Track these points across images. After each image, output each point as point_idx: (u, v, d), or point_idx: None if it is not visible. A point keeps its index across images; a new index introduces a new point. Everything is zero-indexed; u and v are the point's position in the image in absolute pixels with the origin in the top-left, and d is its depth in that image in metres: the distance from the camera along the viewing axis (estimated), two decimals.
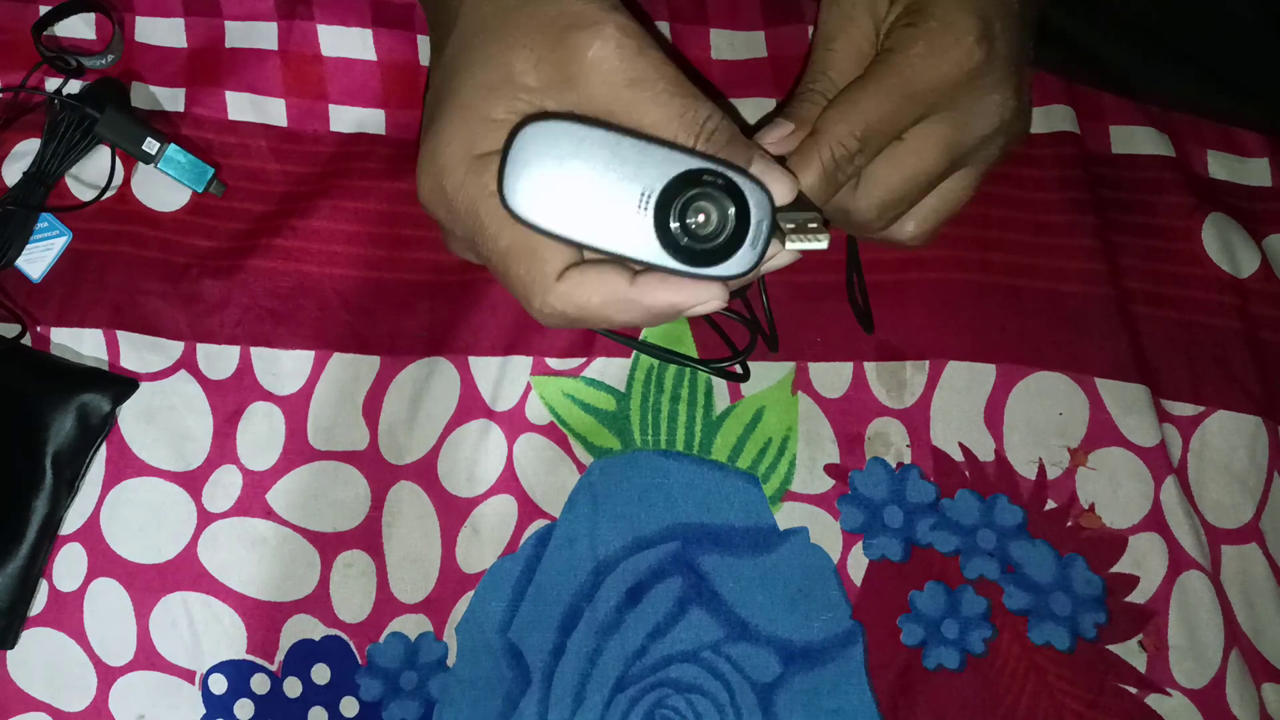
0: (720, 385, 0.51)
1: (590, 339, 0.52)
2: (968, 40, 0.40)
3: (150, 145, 0.51)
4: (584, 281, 0.37)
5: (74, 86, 0.53)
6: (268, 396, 0.52)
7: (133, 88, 0.54)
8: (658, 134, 0.36)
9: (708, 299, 0.37)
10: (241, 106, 0.54)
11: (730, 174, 0.35)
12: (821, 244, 0.36)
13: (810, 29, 0.53)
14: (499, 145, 0.37)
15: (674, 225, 0.35)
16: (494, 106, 0.38)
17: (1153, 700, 0.49)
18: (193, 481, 0.51)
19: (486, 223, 0.37)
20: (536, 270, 0.37)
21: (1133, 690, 0.49)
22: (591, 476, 0.51)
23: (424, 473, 0.51)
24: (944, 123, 0.41)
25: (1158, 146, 0.53)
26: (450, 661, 0.50)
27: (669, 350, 0.50)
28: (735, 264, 0.35)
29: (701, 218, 0.35)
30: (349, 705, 0.50)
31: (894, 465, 0.51)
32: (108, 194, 0.53)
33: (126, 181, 0.53)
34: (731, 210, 0.35)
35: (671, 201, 0.35)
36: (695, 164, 0.35)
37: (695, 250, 0.35)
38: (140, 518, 0.51)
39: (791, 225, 0.37)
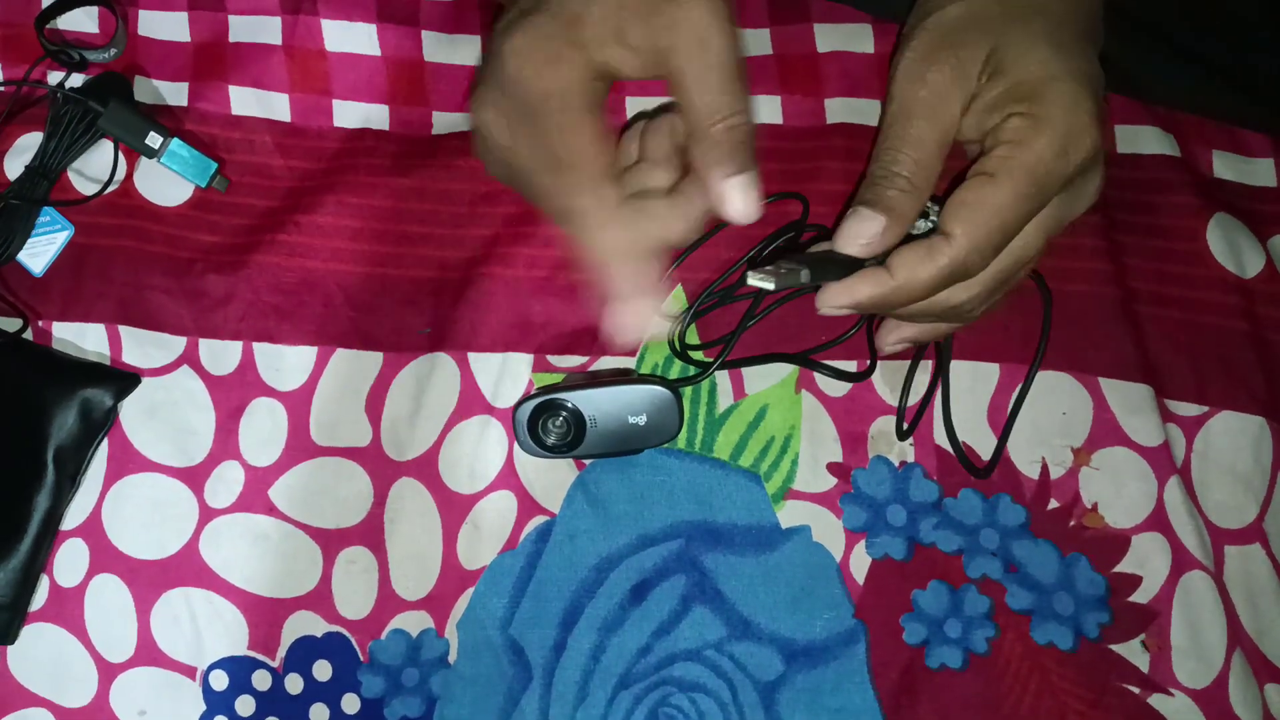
0: (724, 383, 0.51)
1: (593, 337, 0.52)
2: (1092, 130, 0.38)
3: (153, 140, 0.51)
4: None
5: (77, 80, 0.53)
6: (270, 392, 0.51)
7: (136, 82, 0.54)
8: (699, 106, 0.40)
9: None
10: (245, 101, 0.53)
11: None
12: (769, 284, 0.39)
13: (814, 27, 0.53)
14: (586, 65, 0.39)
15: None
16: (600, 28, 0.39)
17: (1155, 700, 0.49)
18: (195, 477, 0.51)
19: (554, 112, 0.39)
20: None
21: (1135, 690, 0.49)
22: (590, 473, 0.51)
23: (425, 469, 0.51)
24: (1054, 206, 0.40)
25: (1163, 146, 0.53)
26: (452, 658, 0.50)
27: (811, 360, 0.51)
28: None
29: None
30: (350, 702, 0.50)
31: (897, 464, 0.51)
32: (110, 188, 0.52)
33: (129, 176, 0.53)
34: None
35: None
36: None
37: None
38: (142, 513, 0.51)
39: (770, 267, 0.40)
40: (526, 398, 0.49)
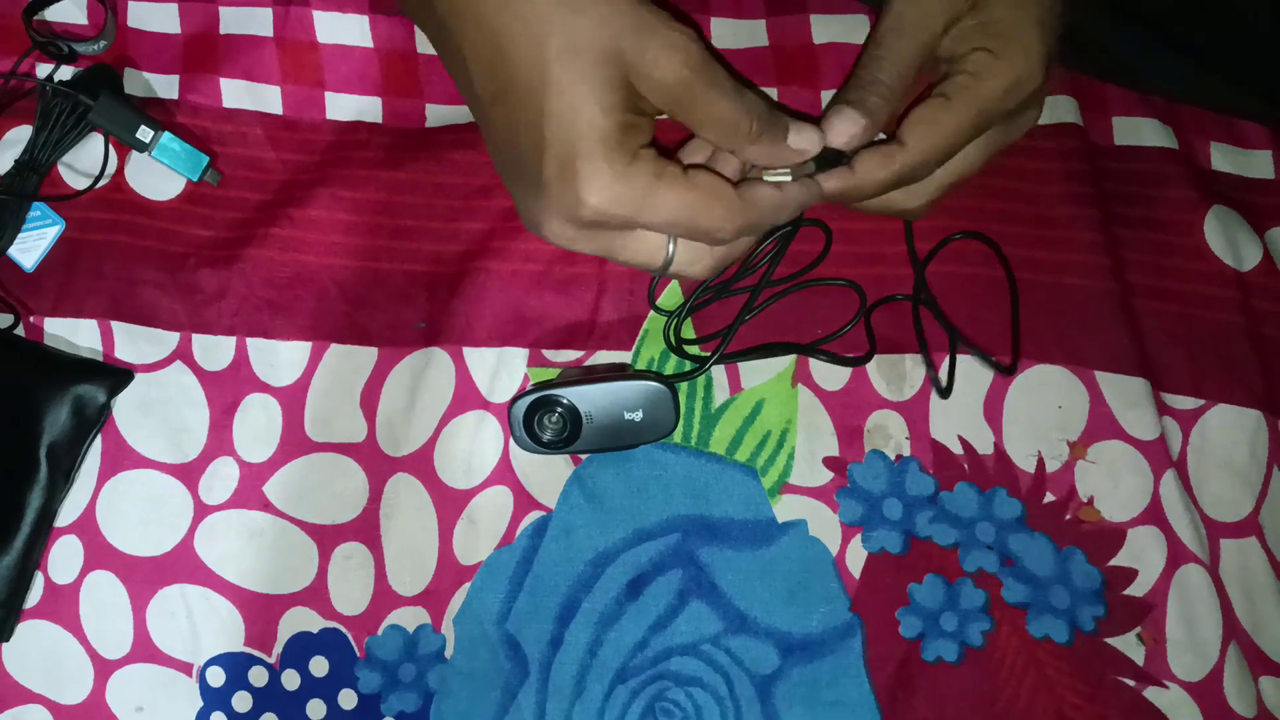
0: (720, 378, 0.51)
1: (588, 332, 0.51)
2: (1039, 74, 0.44)
3: (144, 133, 0.51)
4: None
5: (66, 73, 0.52)
6: (265, 388, 0.51)
7: (126, 74, 0.53)
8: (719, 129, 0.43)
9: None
10: (237, 94, 0.53)
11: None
12: (786, 178, 0.46)
13: (811, 19, 0.53)
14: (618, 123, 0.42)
15: None
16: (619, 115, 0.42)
17: (1151, 693, 0.49)
18: (189, 473, 0.51)
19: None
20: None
21: (1131, 683, 0.49)
22: (587, 468, 0.51)
23: (421, 464, 0.51)
24: (995, 132, 0.46)
25: (1161, 138, 0.52)
26: (448, 653, 0.50)
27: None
28: None
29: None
30: (347, 698, 0.50)
31: (893, 458, 0.51)
32: (101, 183, 0.52)
33: (120, 170, 0.53)
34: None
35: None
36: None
37: None
38: (137, 510, 0.51)
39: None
40: (522, 394, 0.49)
